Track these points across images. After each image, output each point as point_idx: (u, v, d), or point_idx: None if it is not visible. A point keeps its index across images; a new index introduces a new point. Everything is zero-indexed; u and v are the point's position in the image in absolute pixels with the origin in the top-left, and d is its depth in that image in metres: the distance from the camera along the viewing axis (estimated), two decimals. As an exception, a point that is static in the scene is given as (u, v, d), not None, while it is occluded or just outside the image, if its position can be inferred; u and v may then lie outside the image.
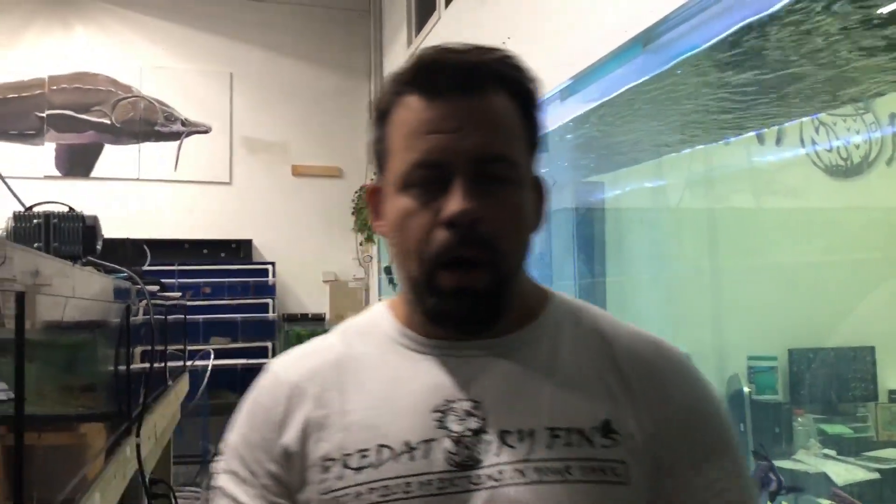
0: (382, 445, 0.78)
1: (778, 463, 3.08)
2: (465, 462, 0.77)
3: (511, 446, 0.77)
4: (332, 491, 0.78)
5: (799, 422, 3.25)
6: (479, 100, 0.79)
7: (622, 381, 0.82)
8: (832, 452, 3.13)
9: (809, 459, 3.07)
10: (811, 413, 3.28)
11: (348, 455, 0.79)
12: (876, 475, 2.91)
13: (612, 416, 0.79)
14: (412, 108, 0.79)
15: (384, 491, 0.76)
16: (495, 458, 0.77)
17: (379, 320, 0.89)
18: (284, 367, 0.88)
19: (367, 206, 0.88)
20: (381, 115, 0.83)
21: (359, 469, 0.78)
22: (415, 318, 0.85)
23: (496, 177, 0.78)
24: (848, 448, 3.15)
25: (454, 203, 0.76)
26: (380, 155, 0.84)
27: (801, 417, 3.26)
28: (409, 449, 0.78)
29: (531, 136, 0.83)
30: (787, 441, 3.21)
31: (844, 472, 2.90)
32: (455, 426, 0.79)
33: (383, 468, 0.77)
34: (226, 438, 0.88)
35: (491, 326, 0.81)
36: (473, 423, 0.79)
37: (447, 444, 0.78)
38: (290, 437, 0.82)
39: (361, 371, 0.84)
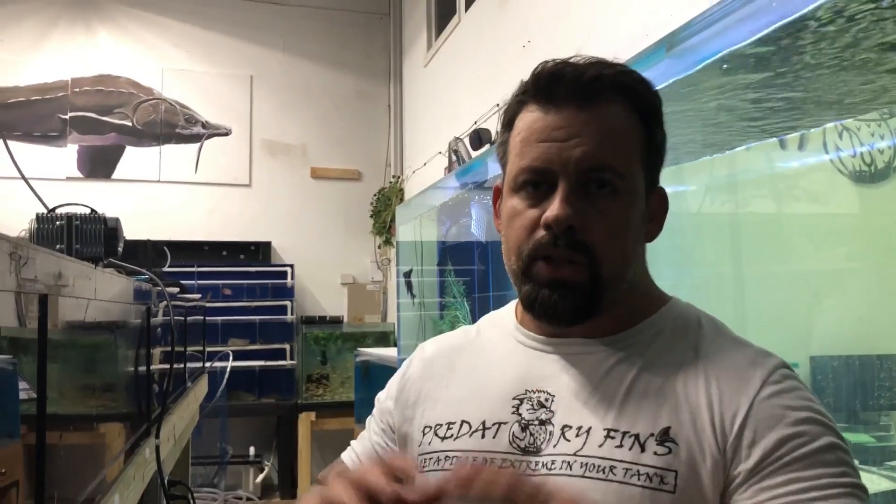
0: (465, 421, 0.89)
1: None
2: (527, 447, 0.85)
3: (568, 440, 0.83)
4: (424, 454, 0.91)
5: (820, 430, 3.21)
6: (592, 111, 0.83)
7: (700, 390, 0.81)
8: (855, 462, 3.09)
9: (831, 468, 3.03)
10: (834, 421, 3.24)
11: (439, 426, 0.92)
12: (900, 485, 2.87)
13: (675, 424, 0.80)
14: (530, 117, 0.85)
15: (455, 460, 0.87)
16: (552, 448, 0.83)
17: (506, 313, 1.00)
18: (429, 344, 1.05)
19: (492, 205, 0.95)
20: (507, 122, 0.90)
21: (443, 438, 0.90)
22: (525, 314, 0.92)
23: (603, 185, 0.83)
24: (871, 457, 3.11)
25: (553, 208, 0.81)
26: (502, 158, 0.92)
27: (822, 426, 3.22)
28: (484, 427, 0.87)
29: (650, 147, 0.87)
30: (809, 449, 3.17)
31: (867, 482, 2.86)
32: (526, 414, 0.86)
33: (459, 440, 0.88)
34: (387, 386, 1.06)
35: (581, 321, 0.86)
36: (543, 414, 0.86)
37: (515, 428, 0.86)
38: (409, 403, 0.98)
39: (475, 355, 0.97)
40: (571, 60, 0.85)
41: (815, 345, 3.33)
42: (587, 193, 0.82)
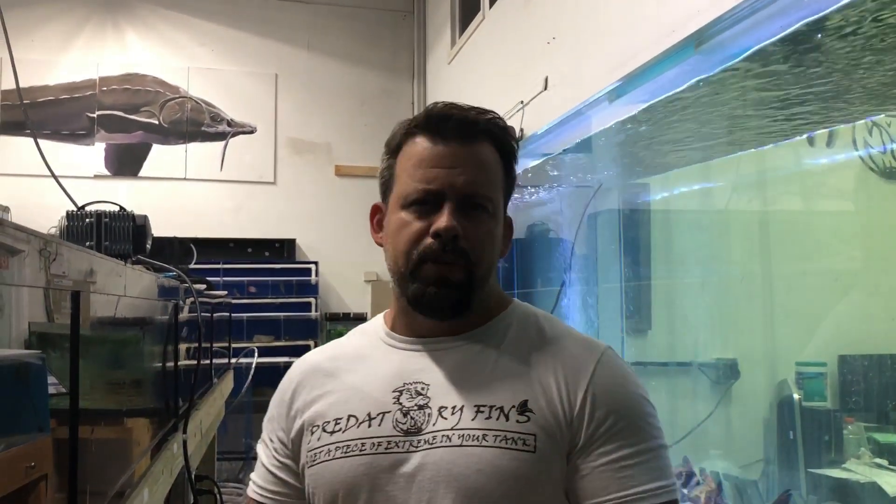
0: (351, 415, 1.02)
1: (827, 472, 3.01)
2: (409, 429, 0.99)
3: (445, 418, 0.98)
4: (313, 449, 1.03)
5: (849, 430, 3.17)
6: (471, 148, 1.03)
7: (547, 369, 1.01)
8: (884, 462, 3.05)
9: (860, 469, 3.00)
10: (862, 421, 3.20)
11: (327, 422, 1.04)
12: (930, 486, 2.83)
13: (531, 397, 0.98)
14: (420, 146, 1.03)
15: (345, 448, 1.00)
16: (432, 426, 0.98)
17: (375, 323, 1.14)
18: (303, 359, 1.17)
19: (370, 221, 1.12)
20: (393, 149, 1.07)
21: (332, 433, 1.03)
22: (397, 320, 1.09)
23: (477, 207, 1.01)
24: (901, 458, 3.07)
25: (443, 220, 0.99)
26: (386, 181, 1.08)
27: (851, 425, 3.18)
28: (369, 418, 1.01)
29: (507, 184, 1.08)
30: (837, 450, 3.13)
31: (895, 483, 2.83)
32: (406, 402, 1.01)
33: (348, 432, 1.01)
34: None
35: (460, 314, 1.03)
36: (420, 400, 1.01)
37: (398, 415, 1.00)
38: (294, 410, 1.09)
39: (351, 361, 1.10)
40: (455, 104, 1.05)
41: (845, 344, 3.29)
42: (465, 213, 1.00)
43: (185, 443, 2.30)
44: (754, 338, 3.29)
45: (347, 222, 6.44)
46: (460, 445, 0.96)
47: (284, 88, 6.47)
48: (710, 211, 3.51)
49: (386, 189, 1.08)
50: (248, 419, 5.49)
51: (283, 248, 6.35)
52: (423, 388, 1.02)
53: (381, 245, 1.10)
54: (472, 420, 0.98)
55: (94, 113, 6.05)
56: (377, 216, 1.11)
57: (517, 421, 0.97)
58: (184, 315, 2.59)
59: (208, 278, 4.36)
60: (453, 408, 0.99)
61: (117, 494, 1.54)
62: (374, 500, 0.98)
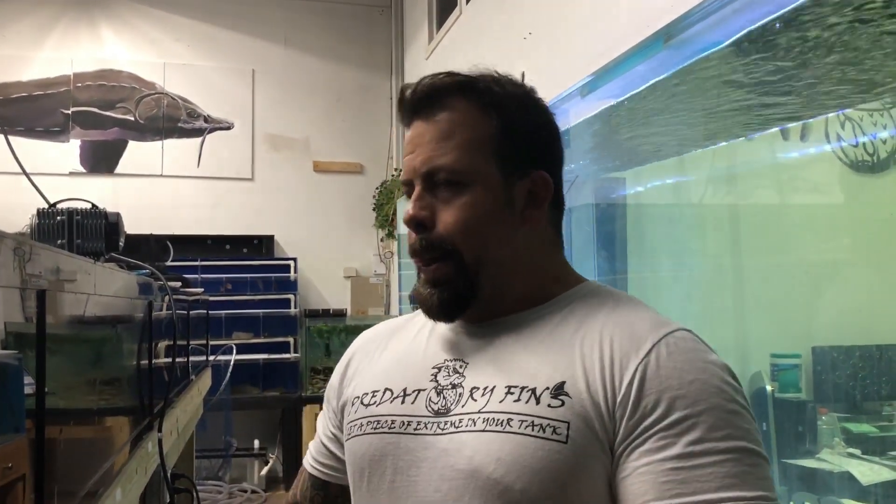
0: (387, 388, 0.96)
1: (801, 462, 3.04)
2: (440, 410, 0.91)
3: (475, 399, 0.89)
4: (351, 421, 0.99)
5: (823, 420, 3.21)
6: (431, 121, 0.93)
7: (596, 351, 0.86)
8: (857, 451, 3.09)
9: (833, 459, 3.03)
10: (835, 412, 3.24)
11: (366, 394, 0.99)
12: (902, 475, 2.87)
13: (570, 380, 0.85)
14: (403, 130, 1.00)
15: (375, 423, 0.94)
16: (460, 408, 0.89)
17: None
18: (367, 331, 1.13)
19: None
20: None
21: (367, 405, 0.97)
22: None
23: (441, 184, 0.92)
24: (873, 447, 3.11)
25: (406, 210, 0.94)
26: None
27: (825, 416, 3.22)
28: (404, 394, 0.94)
29: (504, 136, 0.93)
30: (811, 440, 3.17)
31: (869, 472, 2.87)
32: (442, 380, 0.93)
33: (381, 406, 0.95)
34: None
35: (460, 312, 0.95)
36: (455, 379, 0.92)
37: (432, 394, 0.93)
38: (346, 379, 1.07)
39: (405, 334, 1.05)
40: (421, 80, 0.95)
41: (817, 336, 3.33)
42: (434, 193, 0.93)
43: (160, 441, 2.29)
44: (727, 330, 3.32)
45: (326, 218, 6.43)
46: (483, 430, 0.85)
47: (261, 84, 6.44)
48: (685, 204, 3.54)
49: None
50: (228, 416, 5.47)
51: (262, 245, 6.32)
52: (461, 367, 0.93)
53: None
54: (500, 402, 0.86)
55: (68, 109, 6.00)
56: None
57: (549, 405, 0.83)
58: (161, 313, 2.57)
59: (186, 275, 4.33)
60: (485, 388, 0.88)
61: (89, 494, 1.53)
62: (396, 483, 0.90)
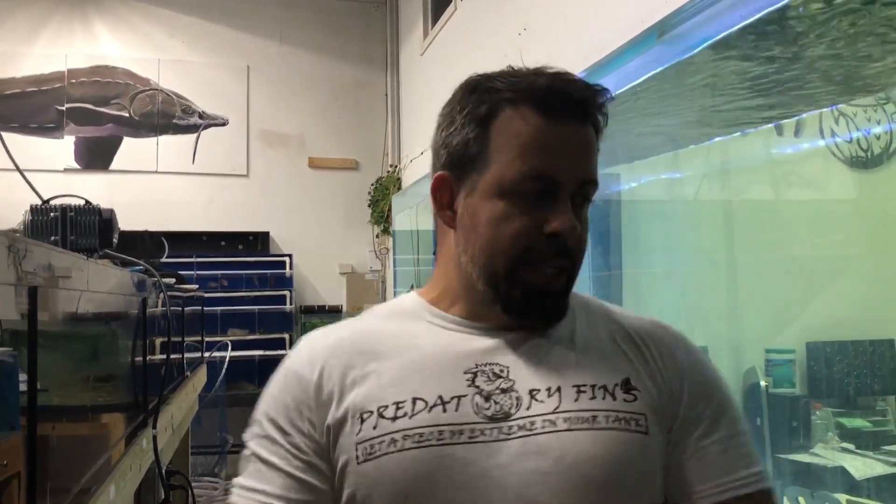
0: (417, 398, 0.85)
1: (795, 457, 3.05)
2: (496, 415, 0.85)
3: (540, 401, 0.85)
4: (368, 440, 0.84)
5: (817, 415, 3.22)
6: (586, 129, 0.88)
7: (636, 348, 0.92)
8: (851, 446, 3.10)
9: (827, 453, 3.04)
10: (829, 407, 3.25)
11: (384, 407, 0.85)
12: (895, 469, 2.88)
13: (632, 375, 0.89)
14: (529, 123, 0.86)
15: (418, 438, 0.83)
16: (526, 411, 0.85)
17: (406, 303, 0.98)
18: (321, 335, 0.95)
19: (433, 194, 0.93)
20: (482, 118, 0.88)
21: (394, 419, 0.84)
22: (461, 305, 0.93)
23: (586, 198, 0.89)
24: (867, 442, 3.12)
25: (565, 219, 0.85)
26: (473, 155, 0.89)
27: (819, 411, 3.23)
28: (442, 402, 0.85)
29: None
30: (805, 435, 3.18)
31: (863, 467, 2.88)
32: (485, 385, 0.86)
33: (417, 418, 0.84)
34: (258, 408, 0.91)
35: (558, 321, 0.91)
36: (503, 384, 0.86)
37: (478, 399, 0.85)
38: (327, 394, 0.88)
39: (391, 339, 0.92)
40: (562, 75, 0.88)
41: (811, 331, 3.33)
42: (576, 204, 0.88)
43: (154, 437, 2.29)
44: (721, 325, 3.33)
45: (322, 214, 6.42)
46: (568, 429, 0.84)
47: (256, 80, 6.42)
48: (680, 200, 3.54)
49: (467, 164, 0.89)
50: (223, 413, 5.47)
51: (257, 241, 6.31)
52: (501, 371, 0.88)
53: (450, 226, 0.93)
54: (576, 401, 0.86)
55: (62, 106, 5.98)
56: (444, 191, 0.93)
57: (624, 400, 0.87)
58: (156, 310, 2.57)
59: (181, 272, 4.32)
60: (548, 389, 0.86)
61: (83, 491, 1.53)
62: (455, 498, 0.82)
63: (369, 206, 6.46)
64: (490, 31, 4.29)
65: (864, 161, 3.43)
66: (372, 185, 6.49)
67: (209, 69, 6.33)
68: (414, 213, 3.98)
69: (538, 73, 0.89)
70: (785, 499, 2.81)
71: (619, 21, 2.56)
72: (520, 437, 0.84)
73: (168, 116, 6.19)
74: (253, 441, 0.90)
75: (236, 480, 0.91)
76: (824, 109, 2.94)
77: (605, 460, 0.83)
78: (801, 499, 2.75)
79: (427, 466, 0.83)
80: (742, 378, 3.21)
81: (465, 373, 0.87)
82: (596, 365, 0.89)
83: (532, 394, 0.86)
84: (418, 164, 5.60)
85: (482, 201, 0.88)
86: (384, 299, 6.47)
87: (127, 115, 6.12)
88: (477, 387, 0.86)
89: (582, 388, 0.87)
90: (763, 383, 3.18)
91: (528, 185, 0.85)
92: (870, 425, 3.23)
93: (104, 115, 6.08)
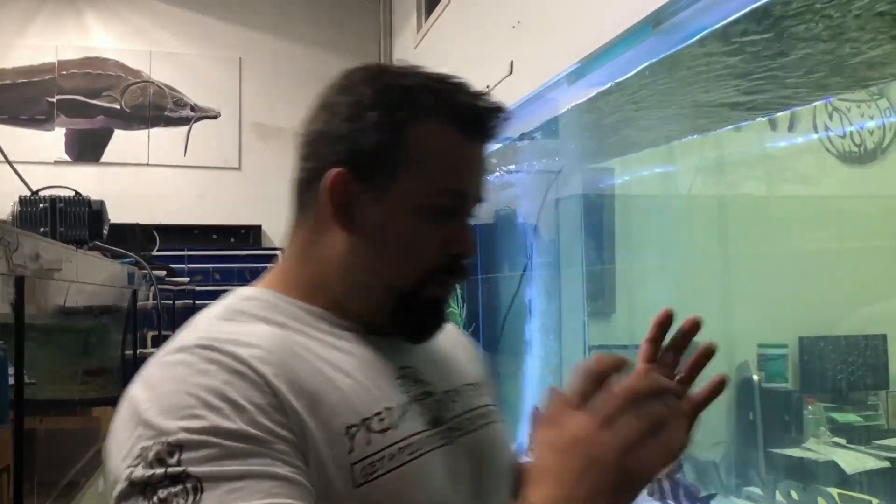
0: (386, 408, 0.79)
1: (787, 451, 3.06)
2: (435, 420, 0.83)
3: (455, 401, 0.88)
4: (365, 458, 0.74)
5: (809, 410, 3.23)
6: (485, 149, 0.88)
7: (464, 345, 1.01)
8: (842, 441, 3.11)
9: (819, 448, 3.05)
10: (821, 401, 3.25)
11: (367, 419, 0.76)
12: (886, 464, 2.89)
13: (480, 369, 0.99)
14: (450, 138, 0.83)
15: (410, 449, 0.78)
16: (454, 412, 0.87)
17: (280, 304, 0.85)
18: (250, 351, 0.75)
19: (332, 190, 0.83)
20: (404, 122, 0.82)
21: (382, 431, 0.77)
22: (334, 306, 0.85)
23: (472, 216, 0.89)
24: (858, 436, 3.13)
25: (469, 242, 0.86)
26: (386, 158, 0.82)
27: (811, 406, 3.24)
28: (403, 411, 0.80)
29: None
30: (797, 429, 3.18)
31: (854, 461, 2.88)
32: (414, 390, 0.84)
33: (401, 428, 0.78)
34: (184, 428, 0.68)
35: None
36: (423, 387, 0.85)
37: (416, 406, 0.82)
38: (291, 408, 0.72)
39: (321, 352, 0.80)
40: (478, 93, 0.86)
41: (804, 326, 3.34)
42: None
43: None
44: (714, 320, 3.33)
45: (314, 208, 6.39)
46: (486, 424, 0.90)
47: (249, 73, 6.39)
48: (673, 194, 3.54)
49: (378, 168, 0.83)
50: (215, 407, 5.45)
51: (249, 235, 6.29)
52: (415, 373, 0.86)
53: (345, 229, 0.84)
54: (473, 398, 0.90)
55: (53, 97, 5.93)
56: (343, 191, 0.83)
57: (488, 393, 0.96)
58: (147, 302, 2.55)
59: (173, 265, 4.30)
60: (455, 390, 0.89)
61: (71, 484, 1.52)
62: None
63: (362, 199, 6.44)
64: (484, 24, 4.27)
65: (858, 156, 3.43)
66: (364, 178, 6.47)
67: (201, 61, 6.29)
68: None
69: (458, 87, 0.85)
70: (777, 493, 2.82)
71: (614, 13, 2.54)
72: (458, 438, 0.85)
73: (159, 109, 6.16)
74: (206, 467, 0.66)
75: None
76: (818, 103, 2.94)
77: (508, 451, 0.91)
78: (793, 492, 2.76)
79: (434, 480, 0.79)
80: (735, 372, 3.21)
81: (397, 378, 0.83)
82: (464, 363, 0.95)
83: (447, 395, 0.87)
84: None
85: (395, 213, 0.83)
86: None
87: (118, 107, 6.09)
88: (408, 393, 0.83)
89: (470, 386, 0.92)
90: (756, 377, 3.18)
91: (444, 200, 0.83)
92: (861, 420, 3.24)
93: (95, 107, 6.04)
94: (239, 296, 0.88)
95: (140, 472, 0.66)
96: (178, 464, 0.66)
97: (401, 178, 0.82)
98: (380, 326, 0.86)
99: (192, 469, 0.65)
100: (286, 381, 0.73)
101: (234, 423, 0.68)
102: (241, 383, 0.71)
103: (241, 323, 0.81)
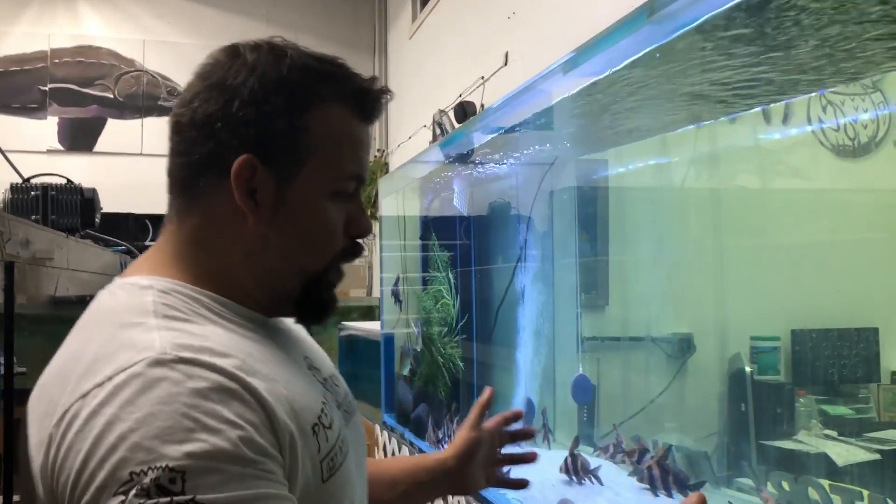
0: (324, 402, 0.83)
1: (778, 443, 3.07)
2: (338, 405, 0.88)
3: (337, 385, 0.93)
4: (327, 454, 0.78)
5: (801, 402, 3.23)
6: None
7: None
8: (833, 433, 3.12)
9: (810, 440, 3.06)
10: (813, 394, 3.26)
11: (319, 416, 0.79)
12: (877, 456, 2.90)
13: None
14: (352, 123, 0.86)
15: (342, 440, 0.83)
16: (340, 397, 0.91)
17: (200, 297, 0.81)
18: (233, 362, 0.73)
19: (238, 177, 0.80)
20: (307, 106, 0.83)
21: (330, 427, 0.80)
22: (243, 295, 0.83)
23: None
24: (849, 429, 3.14)
25: (368, 222, 0.88)
26: (293, 143, 0.82)
27: (802, 398, 3.25)
28: (330, 404, 0.86)
29: None
30: (789, 422, 3.19)
31: (845, 453, 2.89)
32: (316, 377, 0.87)
33: (335, 421, 0.83)
34: (188, 454, 0.65)
35: None
36: (322, 375, 0.89)
37: (329, 395, 0.86)
38: (273, 413, 0.72)
39: (261, 347, 0.80)
40: (370, 78, 0.89)
41: (797, 318, 3.35)
42: None
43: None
44: (707, 312, 3.34)
45: (308, 199, 6.39)
46: (353, 413, 0.95)
47: (243, 62, 6.37)
48: (667, 186, 3.54)
49: (284, 153, 0.81)
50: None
51: (243, 225, 6.28)
52: (309, 360, 0.89)
53: (252, 215, 0.81)
54: (340, 386, 0.95)
55: (45, 86, 5.91)
56: (251, 178, 0.80)
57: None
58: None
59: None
60: (333, 376, 0.94)
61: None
62: (356, 495, 0.86)
63: (356, 190, 6.43)
64: (479, 14, 4.26)
65: (852, 150, 3.44)
66: (359, 169, 6.46)
67: (195, 50, 6.22)
68: (401, 197, 3.97)
69: (350, 71, 0.89)
70: (769, 484, 2.82)
71: (607, 3, 2.54)
72: (350, 421, 0.90)
73: (153, 98, 6.14)
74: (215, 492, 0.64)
75: None
76: (812, 94, 2.94)
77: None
78: (784, 483, 2.76)
79: (351, 466, 0.84)
80: (727, 364, 3.22)
81: (308, 370, 0.86)
82: (322, 352, 0.99)
83: (330, 380, 0.90)
84: (406, 149, 5.57)
85: (306, 198, 0.83)
86: (370, 285, 6.45)
87: (111, 96, 6.07)
88: (315, 378, 0.86)
89: (335, 374, 0.95)
90: (748, 369, 3.19)
91: (349, 185, 0.86)
92: (852, 412, 3.25)
93: (88, 95, 6.02)
94: (157, 288, 0.80)
95: (136, 501, 0.62)
96: (183, 491, 0.63)
97: (309, 163, 0.82)
98: (282, 312, 0.88)
99: (201, 497, 0.63)
100: (270, 393, 0.72)
101: (235, 446, 0.66)
102: (234, 401, 0.69)
103: (191, 323, 0.76)
